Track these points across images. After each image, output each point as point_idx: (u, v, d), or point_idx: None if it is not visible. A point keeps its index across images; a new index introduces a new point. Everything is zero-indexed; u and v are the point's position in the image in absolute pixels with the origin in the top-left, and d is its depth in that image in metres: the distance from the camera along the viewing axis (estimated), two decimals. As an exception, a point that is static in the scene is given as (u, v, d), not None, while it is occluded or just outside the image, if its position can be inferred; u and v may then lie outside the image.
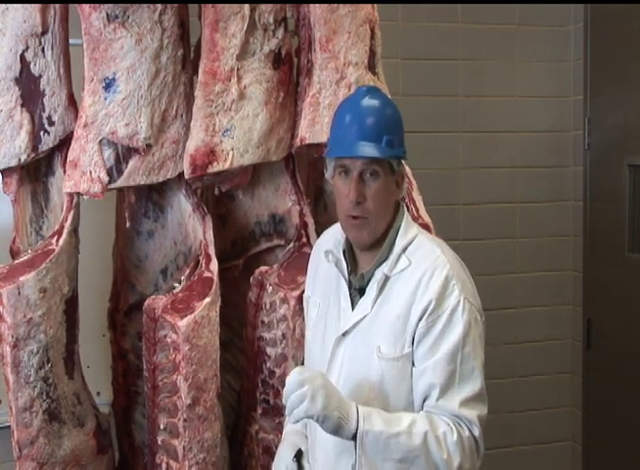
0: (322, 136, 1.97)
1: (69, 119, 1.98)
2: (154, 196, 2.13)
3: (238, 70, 1.96)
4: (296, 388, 1.49)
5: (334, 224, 1.82)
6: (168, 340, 1.91)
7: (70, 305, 1.96)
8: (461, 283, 1.59)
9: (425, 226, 2.02)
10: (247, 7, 1.94)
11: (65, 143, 1.99)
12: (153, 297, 1.98)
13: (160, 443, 1.96)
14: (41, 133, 1.96)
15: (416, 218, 2.05)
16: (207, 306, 1.92)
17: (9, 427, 1.94)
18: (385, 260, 1.64)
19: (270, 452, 2.00)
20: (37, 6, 1.91)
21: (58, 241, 1.93)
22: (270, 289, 2.00)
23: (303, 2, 2.03)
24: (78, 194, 1.96)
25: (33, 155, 1.96)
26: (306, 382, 1.49)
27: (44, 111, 1.96)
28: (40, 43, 1.93)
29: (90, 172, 1.91)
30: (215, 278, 1.97)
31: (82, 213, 2.02)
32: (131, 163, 1.94)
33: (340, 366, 1.65)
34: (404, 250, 1.64)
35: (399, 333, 1.59)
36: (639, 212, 2.80)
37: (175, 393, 1.91)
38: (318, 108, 1.99)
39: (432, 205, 2.17)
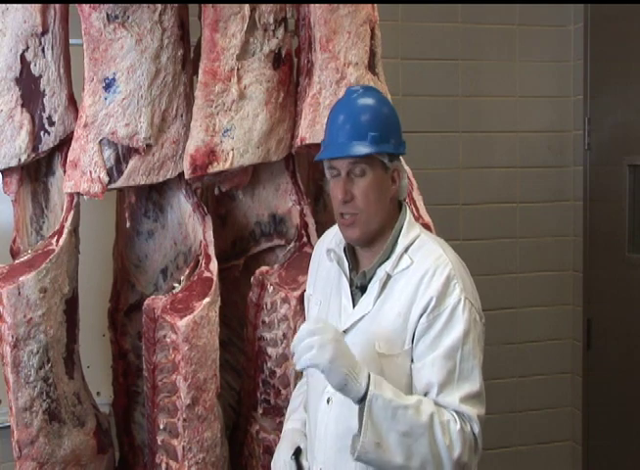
0: (322, 136, 1.96)
1: (70, 120, 1.99)
2: (154, 196, 2.13)
3: (238, 70, 1.96)
4: (305, 336, 1.47)
5: (335, 224, 1.83)
6: (168, 340, 1.91)
7: (71, 305, 1.96)
8: (462, 283, 1.60)
9: (425, 226, 2.02)
10: (247, 7, 1.94)
11: (65, 143, 1.99)
12: (152, 297, 1.98)
13: (159, 442, 1.97)
14: (41, 133, 1.96)
15: (416, 218, 2.05)
16: (207, 307, 1.92)
17: (9, 427, 1.94)
18: (387, 259, 1.65)
19: (271, 452, 2.00)
20: (37, 6, 1.91)
21: (58, 241, 1.93)
22: (271, 289, 2.00)
23: (303, 2, 2.03)
24: (78, 194, 1.96)
25: (33, 155, 1.96)
26: (317, 332, 1.47)
27: (44, 111, 1.96)
28: (40, 43, 1.93)
29: (90, 172, 1.91)
30: (215, 278, 1.97)
31: (82, 213, 2.02)
32: (131, 163, 1.94)
33: (340, 363, 1.65)
34: (406, 249, 1.65)
35: (399, 330, 1.59)
36: (639, 212, 2.80)
37: (175, 393, 1.91)
38: (318, 108, 1.99)
39: (432, 205, 2.17)
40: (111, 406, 2.30)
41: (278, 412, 2.03)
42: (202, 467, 1.94)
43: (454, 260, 1.63)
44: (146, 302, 1.96)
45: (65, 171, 1.96)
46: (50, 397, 1.91)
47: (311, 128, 1.98)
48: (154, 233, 2.16)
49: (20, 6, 1.90)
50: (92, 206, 2.05)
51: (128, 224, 2.10)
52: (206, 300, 1.92)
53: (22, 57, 1.92)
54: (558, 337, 3.17)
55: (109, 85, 1.90)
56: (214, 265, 2.00)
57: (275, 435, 2.03)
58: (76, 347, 2.02)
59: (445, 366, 1.55)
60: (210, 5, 1.93)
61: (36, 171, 2.06)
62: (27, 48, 1.92)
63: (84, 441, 2.01)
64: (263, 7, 1.96)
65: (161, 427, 1.95)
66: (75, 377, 2.01)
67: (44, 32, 1.93)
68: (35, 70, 1.94)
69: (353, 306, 1.67)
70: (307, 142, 1.99)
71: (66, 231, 1.94)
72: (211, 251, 2.02)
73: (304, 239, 2.11)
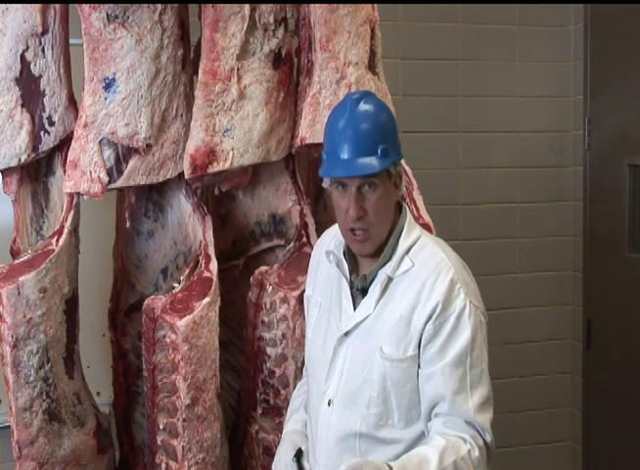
0: (322, 136, 1.96)
1: (70, 119, 1.99)
2: (154, 196, 2.13)
3: (238, 69, 1.96)
4: None
5: (334, 224, 1.82)
6: (167, 340, 1.91)
7: (71, 305, 1.96)
8: (466, 286, 1.59)
9: (425, 226, 2.02)
10: (247, 7, 1.94)
11: (65, 143, 1.99)
12: (152, 297, 1.98)
13: (159, 443, 1.96)
14: (41, 133, 1.96)
15: (417, 218, 2.05)
16: (207, 307, 1.92)
17: (9, 427, 1.93)
18: (387, 262, 1.64)
19: (270, 453, 2.00)
20: (37, 6, 1.91)
21: (58, 241, 1.93)
22: (270, 289, 2.00)
23: (303, 2, 2.03)
24: (78, 194, 1.96)
25: (33, 155, 1.96)
26: None
27: (44, 111, 1.96)
28: (40, 43, 1.93)
29: (90, 172, 1.91)
30: (215, 278, 1.97)
31: (82, 213, 2.02)
32: (131, 163, 1.94)
33: (341, 366, 1.65)
34: (407, 251, 1.64)
35: (402, 334, 1.59)
36: (639, 212, 2.80)
37: (174, 393, 1.91)
38: (318, 108, 1.99)
39: (432, 205, 2.16)
40: (111, 406, 2.30)
41: (277, 412, 2.03)
42: (201, 467, 1.94)
43: (456, 263, 1.63)
44: (146, 302, 1.96)
45: (65, 171, 1.96)
46: (50, 397, 1.91)
47: (311, 128, 1.98)
48: (154, 233, 2.16)
49: (20, 6, 1.90)
50: (92, 206, 2.05)
51: (128, 224, 2.10)
52: (206, 300, 1.92)
53: (22, 57, 1.92)
54: (558, 337, 3.17)
55: (109, 85, 1.90)
56: (214, 265, 2.00)
57: (275, 435, 2.03)
58: (76, 347, 2.02)
59: (456, 374, 1.55)
60: (210, 5, 1.93)
61: (36, 171, 2.06)
62: (27, 48, 1.92)
63: (84, 441, 2.01)
64: (263, 7, 1.96)
65: (161, 427, 1.95)
66: (75, 377, 2.00)
67: (44, 32, 1.93)
68: (35, 70, 1.94)
69: (354, 309, 1.66)
70: (307, 142, 1.99)
71: (66, 231, 1.94)
72: (211, 251, 2.02)
73: (304, 239, 2.11)
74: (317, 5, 1.98)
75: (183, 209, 2.09)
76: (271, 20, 1.97)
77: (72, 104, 2.00)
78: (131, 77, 1.90)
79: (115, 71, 1.89)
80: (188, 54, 2.03)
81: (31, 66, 1.93)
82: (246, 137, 1.97)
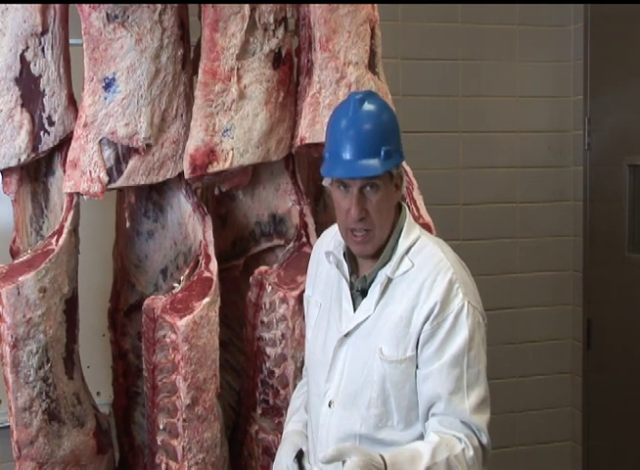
0: (322, 136, 1.95)
1: (69, 119, 1.98)
2: (154, 196, 2.13)
3: (238, 69, 1.96)
4: None
5: (334, 224, 1.82)
6: (167, 340, 1.90)
7: (70, 305, 1.96)
8: (464, 287, 1.59)
9: (426, 226, 2.02)
10: (247, 7, 1.94)
11: (65, 143, 1.99)
12: (152, 297, 1.98)
13: (159, 443, 1.96)
14: (41, 133, 1.96)
15: (417, 218, 2.05)
16: (207, 307, 1.92)
17: (8, 427, 1.93)
18: (387, 262, 1.64)
19: (270, 453, 2.00)
20: (37, 6, 1.90)
21: (58, 241, 1.93)
22: (270, 289, 2.00)
23: (303, 2, 2.03)
24: (78, 194, 1.96)
25: (33, 155, 1.96)
26: None
27: (44, 111, 1.95)
28: (40, 43, 1.93)
29: (90, 172, 1.91)
30: (215, 278, 1.97)
31: (82, 213, 2.02)
32: (131, 163, 1.94)
33: (342, 367, 1.65)
34: (407, 252, 1.64)
35: (402, 335, 1.59)
36: (639, 212, 2.80)
37: (175, 393, 1.91)
38: (318, 107, 1.99)
39: (432, 205, 2.16)
40: (111, 407, 2.30)
41: (277, 412, 2.02)
42: (201, 467, 1.94)
43: (455, 263, 1.63)
44: (146, 302, 1.96)
45: (64, 171, 1.95)
46: (49, 397, 1.91)
47: (311, 128, 1.98)
48: (154, 233, 2.16)
49: (19, 6, 1.90)
50: (92, 206, 2.05)
51: (128, 224, 2.10)
52: (206, 300, 1.92)
53: (22, 57, 1.92)
54: (558, 337, 3.17)
55: (108, 85, 1.90)
56: (214, 265, 2.00)
57: (274, 435, 2.02)
58: (76, 347, 2.02)
59: (452, 374, 1.54)
60: (210, 5, 1.93)
61: (36, 171, 2.06)
62: (27, 48, 1.92)
63: (84, 441, 2.01)
64: (263, 7, 1.96)
65: (161, 427, 1.95)
66: (75, 377, 2.00)
67: (44, 32, 1.93)
68: (35, 70, 1.94)
69: (354, 310, 1.66)
70: (307, 142, 1.99)
71: (65, 231, 1.94)
72: (211, 251, 2.02)
73: (304, 239, 2.10)
74: (317, 5, 1.98)
75: (183, 209, 2.09)
76: (271, 19, 1.97)
77: (72, 104, 2.00)
78: (131, 77, 1.90)
79: (115, 71, 1.89)
80: (188, 54, 2.03)
81: (31, 65, 1.93)
82: (245, 137, 1.97)
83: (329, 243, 1.77)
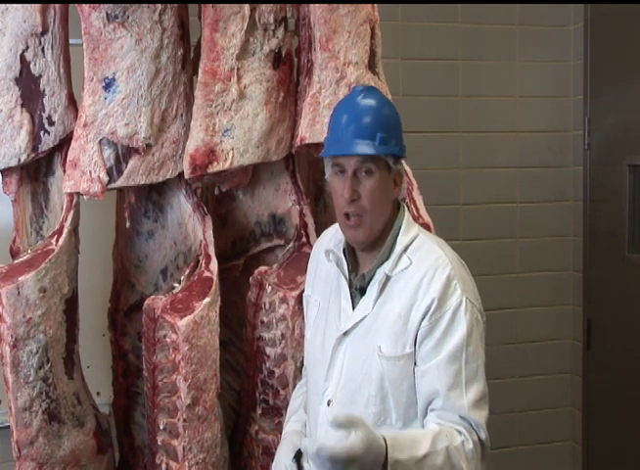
0: (322, 136, 1.96)
1: (69, 119, 1.98)
2: (154, 196, 2.13)
3: (238, 69, 1.96)
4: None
5: (334, 224, 1.82)
6: (168, 340, 1.90)
7: (70, 305, 1.96)
8: (463, 283, 1.59)
9: (425, 226, 2.02)
10: (247, 7, 1.94)
11: (65, 143, 1.99)
12: (152, 297, 1.98)
13: (159, 443, 1.96)
14: (41, 133, 1.96)
15: (416, 218, 2.05)
16: (207, 307, 1.92)
17: (9, 427, 1.93)
18: (386, 260, 1.64)
19: (270, 453, 2.00)
20: (37, 6, 1.91)
21: (58, 241, 1.93)
22: (269, 289, 2.00)
23: (303, 2, 2.03)
24: (78, 194, 1.96)
25: (33, 155, 1.96)
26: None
27: (44, 111, 1.95)
28: (40, 43, 1.93)
29: (90, 172, 1.91)
30: (215, 278, 1.97)
31: (82, 213, 2.02)
32: (131, 162, 1.94)
33: (340, 365, 1.65)
34: (405, 249, 1.64)
35: (400, 332, 1.59)
36: (639, 212, 2.80)
37: (175, 393, 1.91)
38: (318, 107, 1.99)
39: (432, 205, 2.16)
40: (111, 407, 2.30)
41: (277, 413, 2.02)
42: (202, 467, 1.94)
43: (454, 260, 1.63)
44: (146, 302, 1.96)
45: (64, 171, 1.95)
46: (49, 397, 1.91)
47: (311, 128, 1.98)
48: (154, 233, 2.16)
49: (19, 6, 1.90)
50: (92, 206, 2.05)
51: (128, 224, 2.10)
52: (207, 300, 1.92)
53: (22, 57, 1.92)
54: (558, 337, 3.16)
55: (108, 85, 1.90)
56: (214, 265, 2.00)
57: (274, 435, 2.02)
58: (76, 347, 2.02)
59: (450, 370, 1.54)
60: (210, 5, 1.93)
61: (36, 171, 2.06)
62: (27, 48, 1.92)
63: (84, 441, 2.01)
64: (263, 7, 1.96)
65: (162, 427, 1.95)
66: (75, 377, 2.00)
67: (44, 32, 1.93)
68: (35, 70, 1.94)
69: (353, 308, 1.66)
70: (307, 142, 1.99)
71: (65, 231, 1.94)
72: (211, 251, 2.02)
73: (304, 239, 2.11)
74: (317, 5, 1.98)
75: (183, 209, 2.09)
76: (271, 19, 1.97)
77: (72, 104, 2.00)
78: (131, 77, 1.90)
79: (115, 71, 1.89)
80: (188, 54, 2.03)
81: (31, 65, 1.93)
82: (245, 137, 1.97)
83: (329, 242, 1.77)
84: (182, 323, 1.88)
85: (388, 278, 1.63)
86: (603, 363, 3.01)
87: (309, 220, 2.12)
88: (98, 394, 2.34)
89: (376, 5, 2.06)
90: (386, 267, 1.63)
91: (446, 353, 1.55)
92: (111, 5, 1.86)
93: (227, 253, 2.20)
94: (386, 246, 1.65)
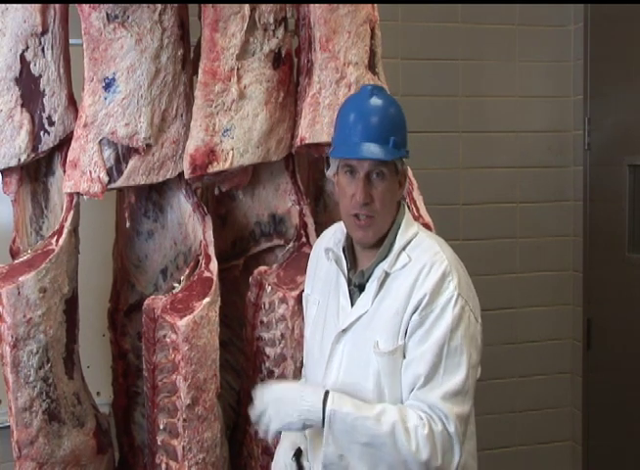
0: (322, 136, 1.97)
1: (69, 119, 1.98)
2: (154, 196, 2.13)
3: (238, 69, 1.96)
4: (255, 416, 1.63)
5: (333, 224, 1.83)
6: (168, 340, 1.91)
7: (70, 305, 1.96)
8: (457, 280, 1.59)
9: (425, 226, 2.02)
10: (247, 7, 1.94)
11: (65, 143, 1.99)
12: (152, 297, 1.98)
13: (159, 443, 1.96)
14: (41, 133, 1.96)
15: (417, 218, 2.05)
16: (207, 307, 1.92)
17: (9, 427, 1.93)
18: (385, 257, 1.65)
19: (269, 453, 2.00)
20: (37, 6, 1.91)
21: (58, 241, 1.93)
22: (269, 289, 2.00)
23: (303, 2, 2.03)
24: (78, 194, 1.96)
25: (33, 155, 1.96)
26: (257, 405, 1.62)
27: (44, 111, 1.96)
28: (40, 43, 1.93)
29: (90, 172, 1.91)
30: (215, 278, 1.97)
31: (82, 213, 2.02)
32: (131, 163, 1.94)
33: (339, 362, 1.65)
34: (404, 247, 1.65)
35: (396, 327, 1.60)
36: (639, 212, 2.80)
37: (175, 393, 1.91)
38: (318, 108, 1.99)
39: (432, 205, 2.17)
40: (111, 406, 2.30)
41: (278, 412, 2.02)
42: (202, 467, 1.94)
43: (450, 257, 1.63)
44: (146, 302, 1.96)
45: (64, 171, 1.95)
46: (50, 397, 1.91)
47: (311, 128, 1.98)
48: (154, 233, 2.16)
49: (19, 6, 1.90)
50: (92, 206, 2.05)
51: (128, 224, 2.10)
52: (206, 300, 1.92)
53: (22, 57, 1.92)
54: (558, 337, 3.17)
55: (108, 85, 1.90)
56: (214, 265, 2.00)
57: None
58: (76, 347, 2.02)
59: (431, 361, 1.55)
60: (210, 5, 1.93)
61: (36, 171, 2.06)
62: (27, 48, 1.92)
63: (84, 441, 2.01)
64: (263, 7, 1.96)
65: (161, 427, 1.95)
66: (75, 377, 2.00)
67: (44, 32, 1.93)
68: (35, 70, 1.94)
69: (352, 306, 1.67)
70: (307, 142, 1.99)
71: (65, 231, 1.94)
72: (211, 251, 2.02)
73: (303, 239, 2.11)
74: (317, 5, 1.98)
75: (183, 209, 2.09)
76: (271, 20, 1.97)
77: (72, 104, 2.00)
78: (131, 77, 1.90)
79: (115, 71, 1.89)
80: (188, 54, 2.03)
81: (31, 65, 1.93)
82: (245, 137, 1.97)
83: (328, 241, 1.78)
84: (182, 323, 1.88)
85: (387, 275, 1.63)
86: (603, 363, 3.01)
87: (309, 220, 2.12)
88: (98, 394, 2.34)
89: (376, 5, 2.06)
90: (385, 264, 1.64)
91: (429, 345, 1.55)
92: (111, 5, 1.86)
93: (227, 253, 2.20)
94: (385, 244, 1.65)
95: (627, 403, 2.84)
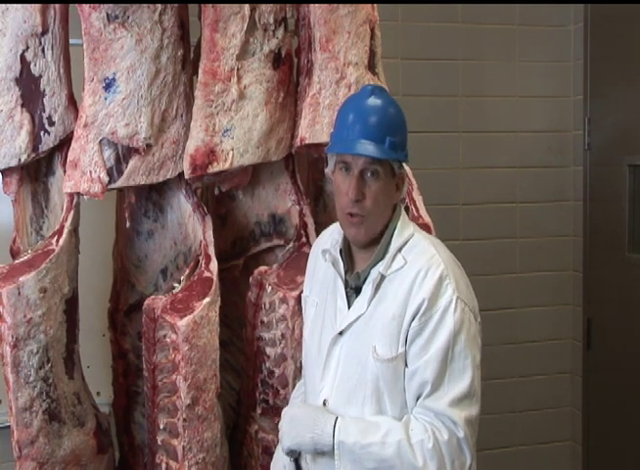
0: (322, 136, 1.97)
1: (70, 119, 1.99)
2: (154, 196, 2.13)
3: (238, 70, 1.96)
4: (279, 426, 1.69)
5: (332, 224, 1.83)
6: (168, 340, 1.91)
7: (71, 305, 1.96)
8: (455, 282, 1.59)
9: (425, 226, 2.02)
10: (247, 7, 1.94)
11: (65, 143, 1.99)
12: (152, 297, 1.98)
13: (159, 442, 1.97)
14: (41, 133, 1.96)
15: (416, 218, 2.06)
16: (207, 307, 1.92)
17: (9, 427, 1.94)
18: (380, 260, 1.64)
19: (269, 452, 2.00)
20: (37, 6, 1.91)
21: (58, 241, 1.93)
22: (269, 289, 2.00)
23: (303, 2, 2.03)
24: (78, 194, 1.96)
25: (33, 155, 1.96)
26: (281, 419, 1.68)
27: (44, 111, 1.96)
28: (40, 43, 1.93)
29: (90, 172, 1.91)
30: (215, 278, 1.97)
31: (82, 213, 2.02)
32: (131, 163, 1.94)
33: (336, 365, 1.65)
34: (400, 249, 1.64)
35: (395, 333, 1.59)
36: (639, 212, 2.80)
37: (175, 393, 1.91)
38: (318, 108, 1.99)
39: (432, 205, 2.17)
40: (111, 406, 2.30)
41: (277, 412, 2.02)
42: (202, 467, 1.94)
43: (447, 260, 1.62)
44: (146, 302, 1.96)
45: (65, 171, 1.96)
46: (50, 397, 1.91)
47: (311, 128, 1.98)
48: (154, 233, 2.16)
49: (20, 6, 1.90)
50: (92, 206, 2.05)
51: (128, 224, 2.10)
52: (207, 300, 1.92)
53: (22, 57, 1.92)
54: (558, 337, 3.17)
55: (109, 85, 1.90)
56: (214, 265, 2.00)
57: (274, 435, 2.02)
58: (76, 347, 2.02)
59: (436, 368, 1.54)
60: (210, 5, 1.93)
61: (36, 171, 2.06)
62: (27, 48, 1.92)
63: (84, 441, 2.01)
64: (263, 7, 1.96)
65: (161, 427, 1.95)
66: (75, 377, 2.01)
67: (44, 32, 1.93)
68: (35, 70, 1.94)
69: (349, 308, 1.66)
70: (307, 142, 1.99)
71: (66, 231, 1.94)
72: (211, 251, 2.02)
73: (303, 239, 2.11)
74: (317, 5, 1.98)
75: (183, 209, 2.10)
76: (271, 20, 1.97)
77: (72, 104, 2.00)
78: (131, 77, 1.90)
79: (115, 71, 1.89)
80: (188, 54, 2.03)
81: (31, 66, 1.93)
82: (245, 137, 1.97)
83: (325, 242, 1.77)
84: (182, 323, 1.88)
85: (382, 277, 1.62)
86: (603, 363, 3.01)
87: (309, 220, 2.12)
88: (98, 394, 2.35)
89: (376, 5, 2.06)
90: (380, 267, 1.63)
91: (433, 352, 1.55)
92: (111, 5, 1.86)
93: (227, 253, 2.21)
94: (381, 245, 1.65)
95: (627, 403, 2.84)
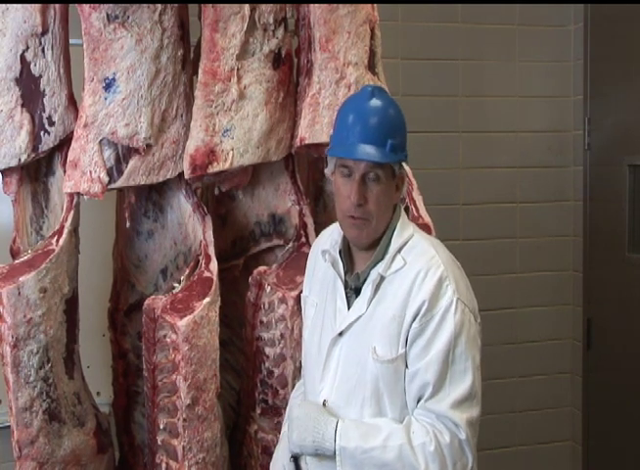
0: (322, 136, 1.97)
1: (70, 120, 1.99)
2: (154, 196, 2.13)
3: (238, 70, 1.96)
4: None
5: (332, 224, 1.83)
6: (168, 340, 1.91)
7: (71, 305, 1.96)
8: (455, 284, 1.58)
9: (425, 226, 2.02)
10: (247, 7, 1.94)
11: (65, 143, 1.99)
12: (152, 297, 1.98)
13: (159, 442, 1.97)
14: (41, 133, 1.96)
15: (416, 218, 2.06)
16: (207, 307, 1.92)
17: (9, 427, 1.94)
18: (380, 260, 1.64)
19: (269, 452, 2.00)
20: (37, 6, 1.91)
21: (58, 241, 1.93)
22: (269, 289, 2.01)
23: (303, 2, 2.03)
24: (78, 194, 1.96)
25: (33, 155, 1.96)
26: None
27: (44, 111, 1.96)
28: (40, 43, 1.93)
29: (90, 172, 1.91)
30: (215, 278, 1.97)
31: (82, 213, 2.02)
32: (131, 163, 1.94)
33: (335, 366, 1.65)
34: (399, 250, 1.64)
35: (394, 334, 1.59)
36: (639, 212, 2.80)
37: (175, 393, 1.91)
38: (318, 108, 1.99)
39: (432, 205, 2.17)
40: (111, 406, 2.30)
41: (276, 412, 2.03)
42: (202, 467, 1.94)
43: (447, 261, 1.62)
44: (146, 302, 1.96)
45: (65, 171, 1.96)
46: (50, 397, 1.91)
47: (311, 128, 1.98)
48: (154, 233, 2.16)
49: (20, 6, 1.90)
50: (92, 206, 2.05)
51: (128, 224, 2.10)
52: (207, 300, 1.92)
53: (22, 57, 1.92)
54: (558, 337, 3.17)
55: (109, 85, 1.90)
56: (214, 265, 2.00)
57: (273, 435, 2.03)
58: (76, 347, 2.02)
59: (437, 370, 1.54)
60: (210, 5, 1.93)
61: (36, 171, 2.06)
62: (27, 48, 1.92)
63: (84, 441, 2.01)
64: (263, 7, 1.96)
65: (161, 427, 1.95)
66: (75, 377, 2.01)
67: (44, 32, 1.93)
68: (35, 70, 1.94)
69: (348, 309, 1.66)
70: (307, 142, 1.99)
71: (66, 231, 1.94)
72: (211, 251, 2.02)
73: (303, 239, 2.11)
74: (317, 5, 1.98)
75: (183, 209, 2.10)
76: (271, 20, 1.97)
77: (72, 104, 2.00)
78: (131, 77, 1.90)
79: (115, 72, 1.89)
80: (188, 54, 2.03)
81: (31, 66, 1.93)
82: (245, 137, 1.97)
83: (325, 242, 1.77)
84: (182, 323, 1.88)
85: (382, 278, 1.62)
86: (603, 363, 3.01)
87: (309, 220, 2.12)
88: (98, 394, 2.35)
89: (376, 5, 2.06)
90: (380, 267, 1.63)
91: (434, 354, 1.55)
92: (111, 5, 1.86)
93: (227, 253, 2.21)
94: (380, 246, 1.65)
95: (627, 403, 2.84)
